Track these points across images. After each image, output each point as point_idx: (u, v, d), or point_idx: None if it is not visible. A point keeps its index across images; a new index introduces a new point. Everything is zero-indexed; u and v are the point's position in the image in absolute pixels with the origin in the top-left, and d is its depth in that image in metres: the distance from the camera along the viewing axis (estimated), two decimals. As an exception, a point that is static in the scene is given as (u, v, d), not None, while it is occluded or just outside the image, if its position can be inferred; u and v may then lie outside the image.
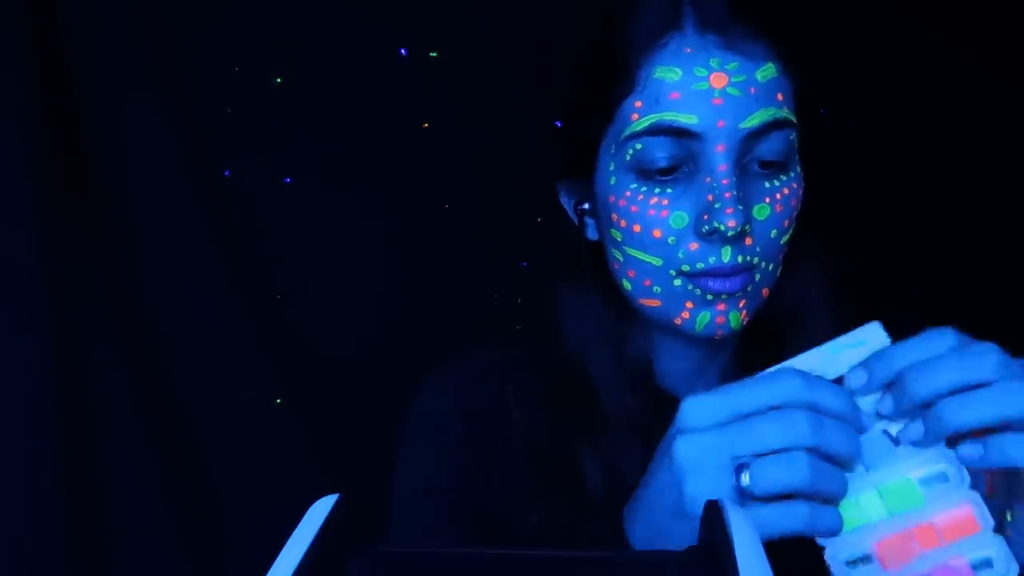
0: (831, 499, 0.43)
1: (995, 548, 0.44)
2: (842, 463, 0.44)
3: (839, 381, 0.46)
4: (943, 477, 0.44)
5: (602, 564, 0.30)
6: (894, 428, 0.45)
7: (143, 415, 0.90)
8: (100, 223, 0.89)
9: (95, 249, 0.89)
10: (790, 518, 0.42)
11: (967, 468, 0.44)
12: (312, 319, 0.97)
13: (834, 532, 0.43)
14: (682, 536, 0.43)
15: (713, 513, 0.29)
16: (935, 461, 0.45)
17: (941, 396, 0.42)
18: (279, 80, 0.93)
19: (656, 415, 0.62)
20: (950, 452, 0.44)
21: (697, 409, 0.44)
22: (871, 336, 0.46)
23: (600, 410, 0.62)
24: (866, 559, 0.44)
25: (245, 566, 0.91)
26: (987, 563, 0.44)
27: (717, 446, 0.43)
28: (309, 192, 0.94)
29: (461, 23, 0.94)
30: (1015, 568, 0.43)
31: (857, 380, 0.45)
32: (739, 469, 0.42)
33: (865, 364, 0.45)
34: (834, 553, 0.45)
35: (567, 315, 0.66)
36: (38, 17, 0.84)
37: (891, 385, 0.44)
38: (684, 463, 0.43)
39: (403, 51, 0.94)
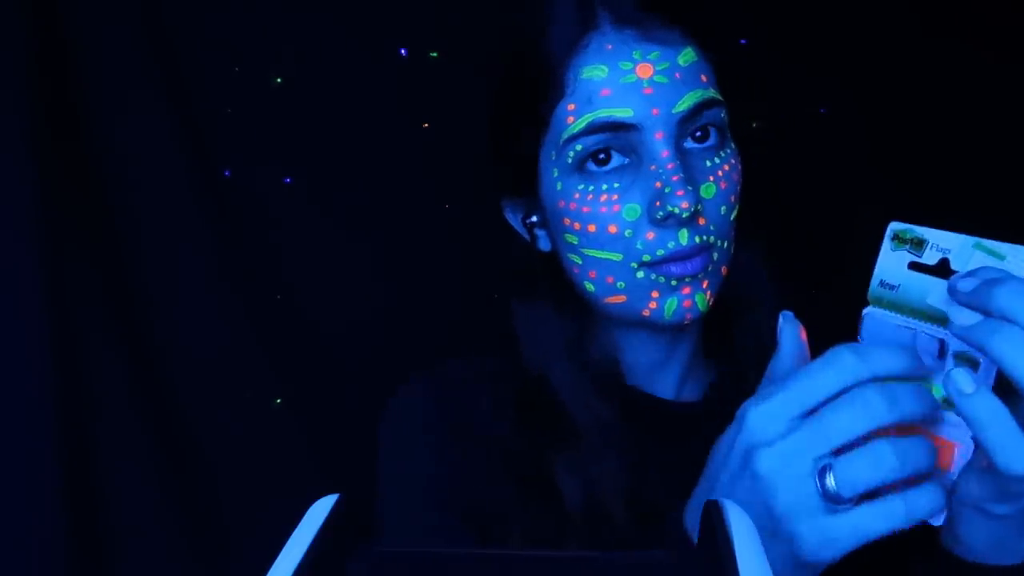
0: (923, 475, 0.40)
1: (943, 492, 0.43)
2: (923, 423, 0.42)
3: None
4: None
5: (601, 564, 0.30)
6: (962, 343, 0.44)
7: (143, 415, 0.90)
8: (100, 223, 0.89)
9: (95, 249, 0.89)
10: (887, 517, 0.40)
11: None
12: (312, 319, 0.96)
13: (934, 514, 0.41)
14: (775, 556, 0.40)
15: (713, 513, 0.29)
16: None
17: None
18: (279, 80, 0.93)
19: (625, 413, 0.62)
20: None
21: (764, 418, 0.42)
22: (1015, 255, 0.44)
23: (569, 420, 0.62)
24: None
25: (245, 566, 0.91)
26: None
27: (797, 452, 0.40)
28: (309, 192, 0.94)
29: (461, 23, 0.95)
30: (941, 519, 0.43)
31: (965, 286, 0.42)
32: (822, 473, 0.40)
33: (970, 273, 0.42)
34: None
35: (525, 331, 0.66)
36: (39, 17, 0.84)
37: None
38: (768, 478, 0.41)
39: (403, 51, 0.94)
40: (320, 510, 0.29)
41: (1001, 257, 0.44)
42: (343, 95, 0.94)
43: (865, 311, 0.49)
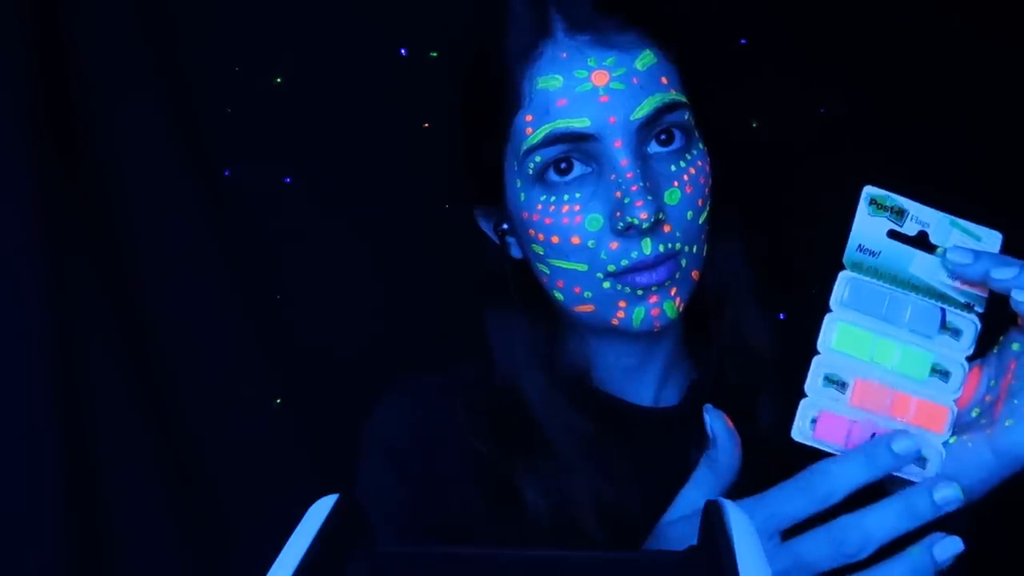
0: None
1: (937, 454, 0.47)
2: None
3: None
4: (946, 376, 0.47)
5: (602, 564, 0.30)
6: (952, 314, 0.47)
7: (143, 415, 0.90)
8: (100, 223, 0.89)
9: (94, 249, 0.89)
10: None
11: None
12: (312, 319, 0.96)
13: None
14: None
15: (713, 513, 0.29)
16: (953, 361, 0.47)
17: None
18: (279, 80, 0.93)
19: (598, 422, 0.62)
20: (964, 363, 0.47)
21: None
22: (988, 238, 0.47)
23: (540, 432, 0.62)
24: (842, 386, 0.47)
25: (245, 566, 0.91)
26: (922, 459, 0.47)
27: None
28: (309, 192, 0.94)
29: (462, 23, 0.94)
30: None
31: (961, 257, 0.45)
32: None
33: (976, 253, 0.45)
34: (821, 364, 0.47)
35: (497, 339, 0.66)
36: (38, 17, 0.84)
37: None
38: None
39: (403, 51, 0.94)
40: (320, 510, 0.29)
41: (977, 238, 0.46)
42: (343, 95, 0.94)
43: (846, 276, 0.48)
